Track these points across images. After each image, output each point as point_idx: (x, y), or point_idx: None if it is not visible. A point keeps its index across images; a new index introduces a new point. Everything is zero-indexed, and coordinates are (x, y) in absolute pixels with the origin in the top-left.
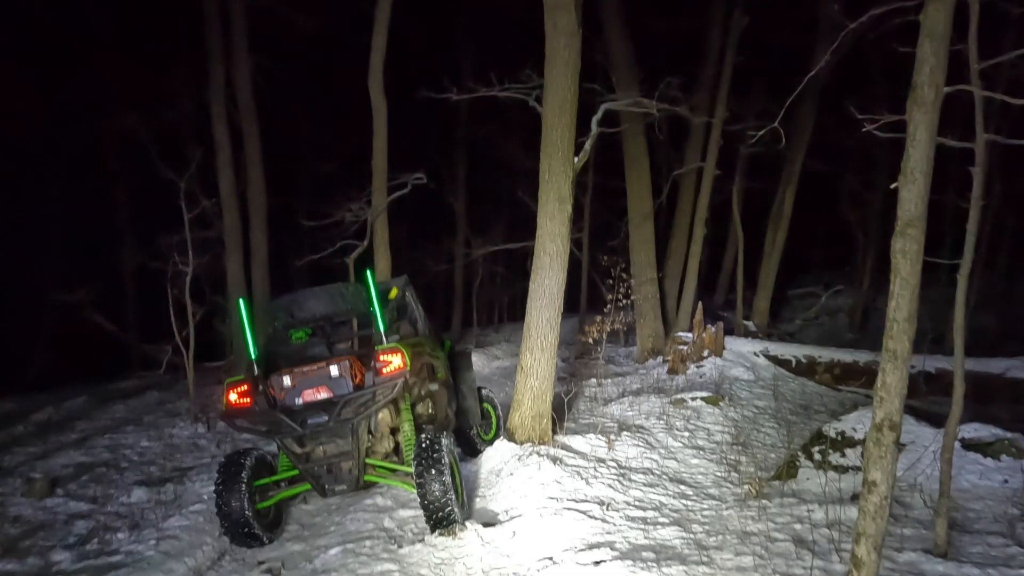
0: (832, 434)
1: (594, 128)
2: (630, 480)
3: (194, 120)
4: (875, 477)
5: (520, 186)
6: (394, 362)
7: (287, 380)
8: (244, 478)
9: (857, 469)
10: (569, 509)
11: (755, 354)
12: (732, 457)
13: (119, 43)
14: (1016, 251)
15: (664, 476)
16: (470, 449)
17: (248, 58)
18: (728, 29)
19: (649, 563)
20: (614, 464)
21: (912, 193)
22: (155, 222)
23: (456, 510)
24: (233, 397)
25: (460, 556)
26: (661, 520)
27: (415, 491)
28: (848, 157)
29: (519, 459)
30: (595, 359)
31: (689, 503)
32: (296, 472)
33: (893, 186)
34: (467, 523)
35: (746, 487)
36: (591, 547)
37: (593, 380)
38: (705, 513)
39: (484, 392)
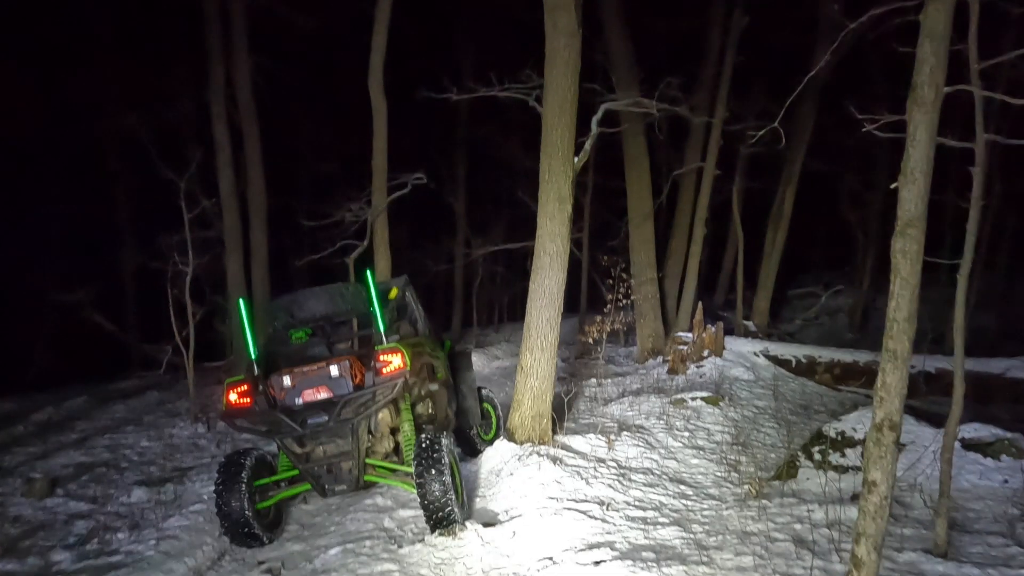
0: (832, 434)
1: (594, 128)
2: (630, 480)
3: (194, 120)
4: (875, 477)
5: (520, 186)
6: (394, 362)
7: (287, 380)
8: (244, 478)
9: (857, 469)
10: (569, 509)
11: (755, 354)
12: (732, 457)
13: (119, 43)
14: (1016, 251)
15: (664, 476)
16: (470, 449)
17: (248, 58)
18: (728, 29)
19: (649, 563)
20: (614, 464)
21: (912, 193)
22: (155, 222)
23: (456, 510)
24: (233, 397)
25: (460, 556)
26: (661, 520)
27: (415, 491)
28: (848, 157)
29: (519, 459)
30: (595, 359)
31: (689, 503)
32: (296, 472)
33: (893, 186)
34: (467, 523)
35: (746, 487)
36: (591, 547)
37: (593, 380)
38: (705, 513)
39: (484, 392)
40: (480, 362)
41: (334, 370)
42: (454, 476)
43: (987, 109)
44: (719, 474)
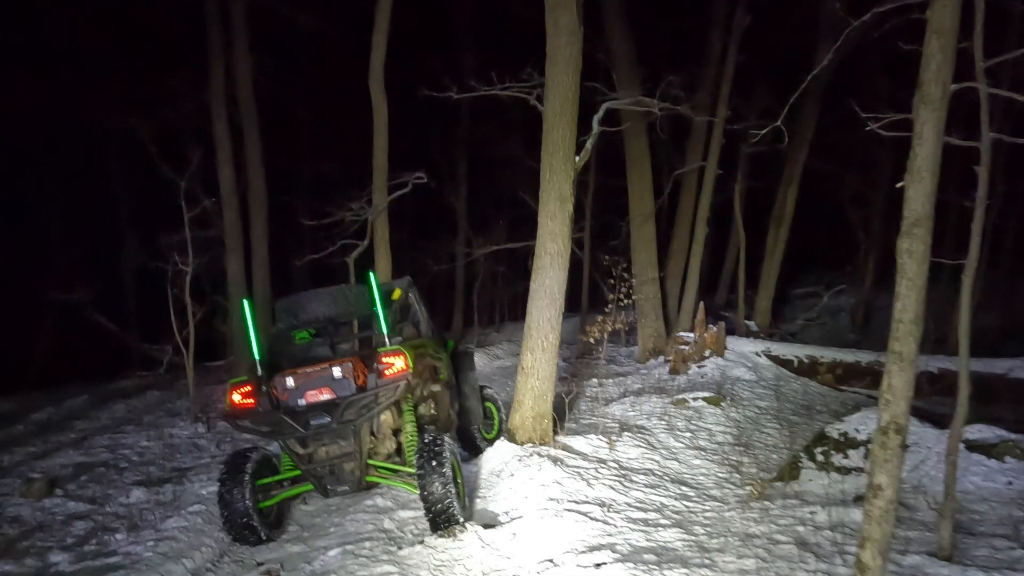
0: (835, 435)
1: (595, 127)
2: (631, 481)
3: (194, 119)
4: (880, 481)
5: (521, 185)
6: (397, 364)
7: (290, 381)
8: (247, 475)
9: (860, 470)
10: (570, 511)
11: (757, 354)
12: (734, 458)
13: (119, 42)
14: (1018, 250)
15: (665, 477)
16: (472, 448)
17: (249, 57)
18: (730, 28)
19: (651, 566)
20: (615, 465)
21: (918, 192)
22: (155, 222)
23: (457, 510)
24: (236, 398)
25: (460, 558)
26: (663, 522)
27: (417, 492)
28: (850, 157)
29: (520, 460)
30: (596, 359)
31: (691, 504)
32: (298, 472)
33: (899, 184)
34: (467, 524)
35: (748, 488)
36: (592, 549)
37: (594, 380)
38: (707, 515)
39: (486, 391)
40: (481, 362)
41: (337, 371)
42: (456, 476)
43: (990, 108)
44: (721, 475)
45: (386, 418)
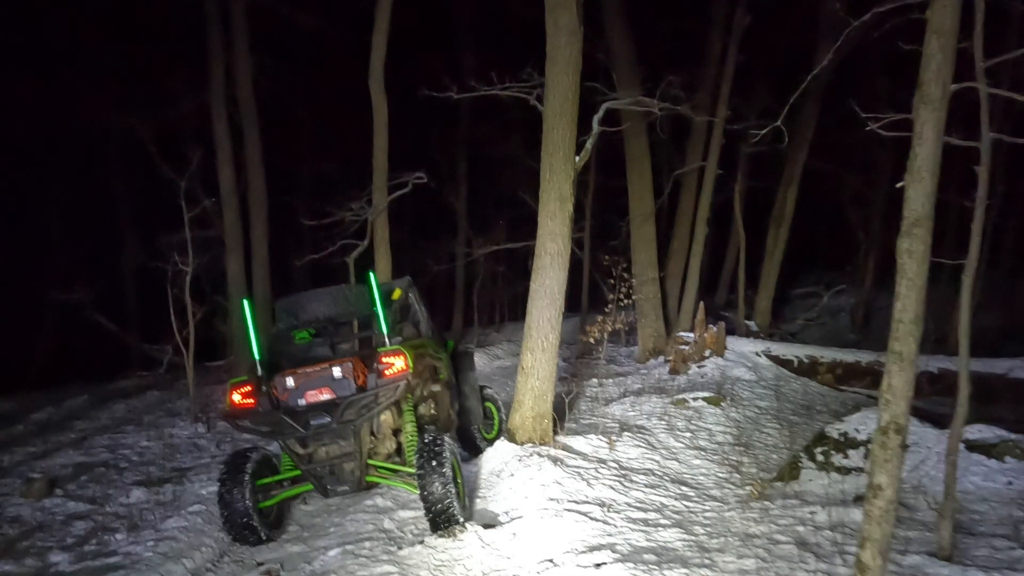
0: (835, 435)
1: (595, 127)
2: (631, 481)
3: (194, 119)
4: (880, 481)
5: (521, 185)
6: (397, 364)
7: (290, 381)
8: (248, 475)
9: (860, 470)
10: (570, 511)
11: (757, 354)
12: (734, 458)
13: (120, 42)
14: (1018, 250)
15: (665, 477)
16: (472, 448)
17: (249, 57)
18: (730, 28)
19: (651, 566)
20: (615, 465)
21: (919, 192)
22: (155, 221)
23: (458, 510)
24: (237, 398)
25: (460, 558)
26: (663, 522)
27: (417, 492)
28: (850, 157)
29: (520, 460)
30: (596, 359)
31: (691, 504)
32: (298, 472)
33: (899, 184)
34: (467, 524)
35: (748, 488)
36: (592, 549)
37: (594, 380)
38: (707, 515)
39: (486, 391)
40: (481, 361)
41: (337, 371)
42: (456, 476)
43: (990, 108)
44: (721, 475)
45: (386, 418)
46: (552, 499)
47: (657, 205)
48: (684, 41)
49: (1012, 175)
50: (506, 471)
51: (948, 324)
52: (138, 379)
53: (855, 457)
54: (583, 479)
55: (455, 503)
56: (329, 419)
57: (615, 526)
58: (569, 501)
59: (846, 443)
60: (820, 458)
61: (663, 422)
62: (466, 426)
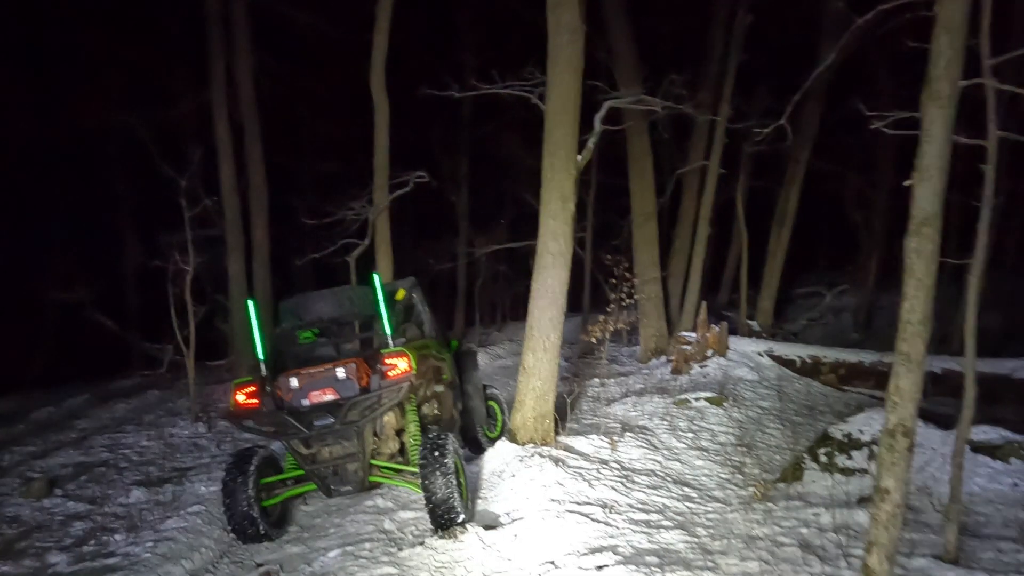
0: (838, 436)
1: (597, 126)
2: (633, 482)
3: (195, 118)
4: (888, 484)
5: (523, 184)
6: (400, 366)
7: (294, 381)
8: (252, 472)
9: (864, 471)
10: (571, 512)
11: (759, 354)
12: (736, 459)
13: (120, 42)
14: (1021, 250)
15: (668, 478)
16: (476, 448)
17: (250, 56)
18: (732, 27)
19: (653, 568)
20: (617, 466)
21: (927, 190)
22: (156, 221)
23: (460, 507)
24: (241, 398)
25: (460, 559)
26: (665, 523)
27: (420, 491)
28: (852, 156)
29: (521, 460)
30: (598, 359)
31: (693, 506)
32: (302, 472)
33: (907, 183)
34: (468, 525)
35: (751, 490)
36: (594, 551)
37: (596, 380)
38: (709, 516)
39: (490, 391)
40: (483, 361)
41: (340, 372)
42: (458, 476)
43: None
44: (723, 476)
45: (389, 418)
46: (553, 500)
47: (659, 204)
48: (686, 40)
49: (1016, 174)
50: (507, 472)
51: (951, 324)
52: (139, 378)
53: (859, 458)
54: (585, 480)
55: (457, 501)
56: (333, 420)
57: (617, 527)
58: (571, 502)
59: (850, 444)
60: (823, 459)
61: (665, 422)
62: (469, 426)
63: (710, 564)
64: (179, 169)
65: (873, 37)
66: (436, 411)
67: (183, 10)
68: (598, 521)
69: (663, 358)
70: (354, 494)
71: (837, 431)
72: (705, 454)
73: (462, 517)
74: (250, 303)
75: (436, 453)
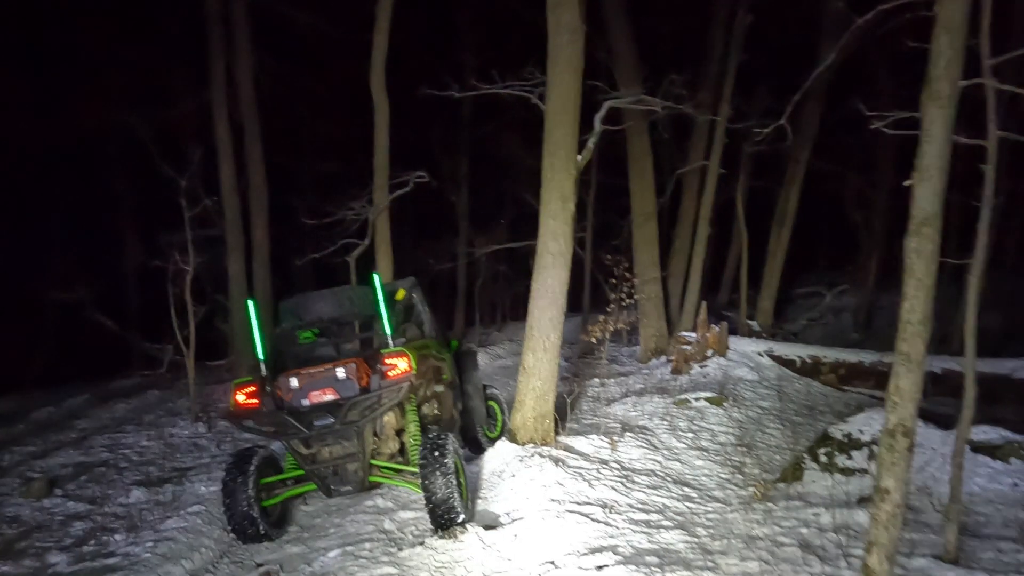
0: (838, 436)
1: (597, 126)
2: (633, 482)
3: (195, 118)
4: (888, 485)
5: (523, 184)
6: (400, 366)
7: (294, 381)
8: (252, 472)
9: (864, 471)
10: (571, 512)
11: (759, 354)
12: (736, 459)
13: (120, 41)
14: (1021, 250)
15: (668, 478)
16: (476, 448)
17: (250, 56)
18: (732, 27)
19: (653, 568)
20: (617, 466)
21: (927, 190)
22: (156, 221)
23: (460, 507)
24: (241, 398)
25: (460, 559)
26: (665, 523)
27: (419, 491)
28: (852, 157)
29: (521, 460)
30: (598, 359)
31: (693, 506)
32: (302, 472)
33: (907, 183)
34: (468, 525)
35: (751, 489)
36: (593, 551)
37: (596, 380)
38: (709, 516)
39: (490, 391)
40: (483, 361)
41: (340, 372)
42: (458, 476)
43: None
44: (723, 476)
45: (389, 418)
46: (553, 500)
47: (659, 204)
48: (686, 40)
49: (1015, 175)
50: (507, 472)
51: (950, 324)
52: (139, 378)
53: (859, 458)
54: (585, 480)
55: (457, 501)
56: (333, 420)
57: (617, 527)
58: (571, 502)
59: (850, 444)
60: (824, 459)
61: (665, 422)
62: (469, 426)
63: (710, 564)
64: (179, 169)
65: (873, 37)
66: (436, 411)
67: (183, 10)
68: (598, 521)
69: (663, 358)
70: (354, 494)
71: (837, 431)
72: (705, 454)
73: (462, 517)
74: (250, 303)
75: (436, 453)
